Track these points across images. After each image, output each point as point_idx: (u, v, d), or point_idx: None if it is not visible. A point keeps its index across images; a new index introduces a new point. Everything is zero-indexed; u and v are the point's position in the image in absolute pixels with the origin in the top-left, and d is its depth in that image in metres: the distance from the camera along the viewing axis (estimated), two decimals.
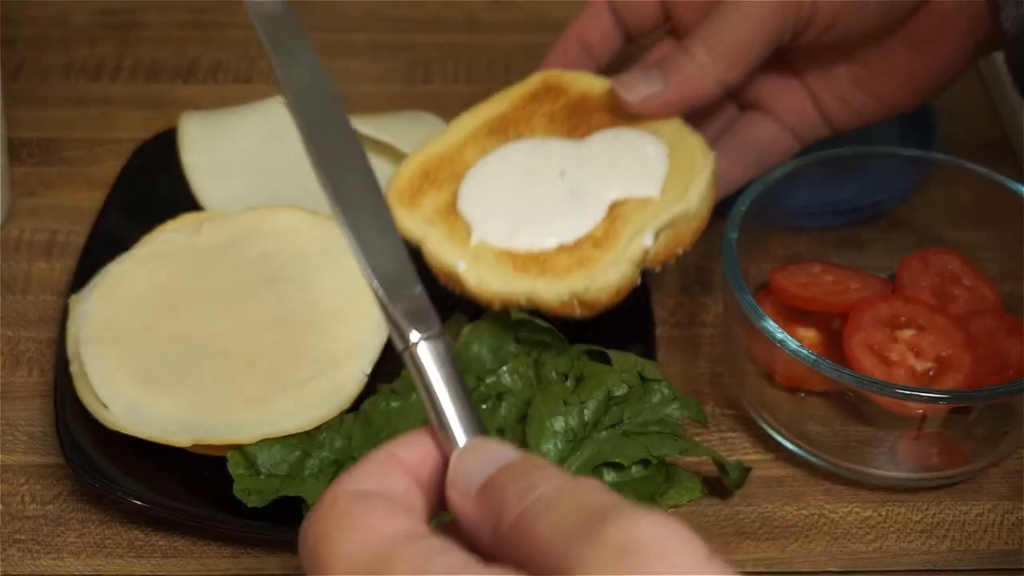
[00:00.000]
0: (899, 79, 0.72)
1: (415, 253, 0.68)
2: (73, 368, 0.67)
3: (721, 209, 0.70)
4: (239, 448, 0.63)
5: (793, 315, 0.69)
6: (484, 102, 0.73)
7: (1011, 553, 0.65)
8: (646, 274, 0.68)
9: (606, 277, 0.65)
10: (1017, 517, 0.66)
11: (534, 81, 0.74)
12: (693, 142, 0.69)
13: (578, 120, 0.71)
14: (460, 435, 0.44)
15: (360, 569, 0.40)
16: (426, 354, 0.45)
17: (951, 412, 0.64)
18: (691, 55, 0.69)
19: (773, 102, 0.74)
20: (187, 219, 0.74)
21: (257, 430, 0.63)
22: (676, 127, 0.70)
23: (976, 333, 0.67)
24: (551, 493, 0.40)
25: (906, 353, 0.65)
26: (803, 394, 0.67)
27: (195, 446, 0.64)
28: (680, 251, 0.68)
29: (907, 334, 0.66)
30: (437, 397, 0.44)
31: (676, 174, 0.68)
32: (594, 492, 0.40)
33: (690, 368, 0.72)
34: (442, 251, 0.67)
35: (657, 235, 0.66)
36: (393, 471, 0.44)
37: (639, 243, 0.66)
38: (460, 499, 0.42)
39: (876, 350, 0.65)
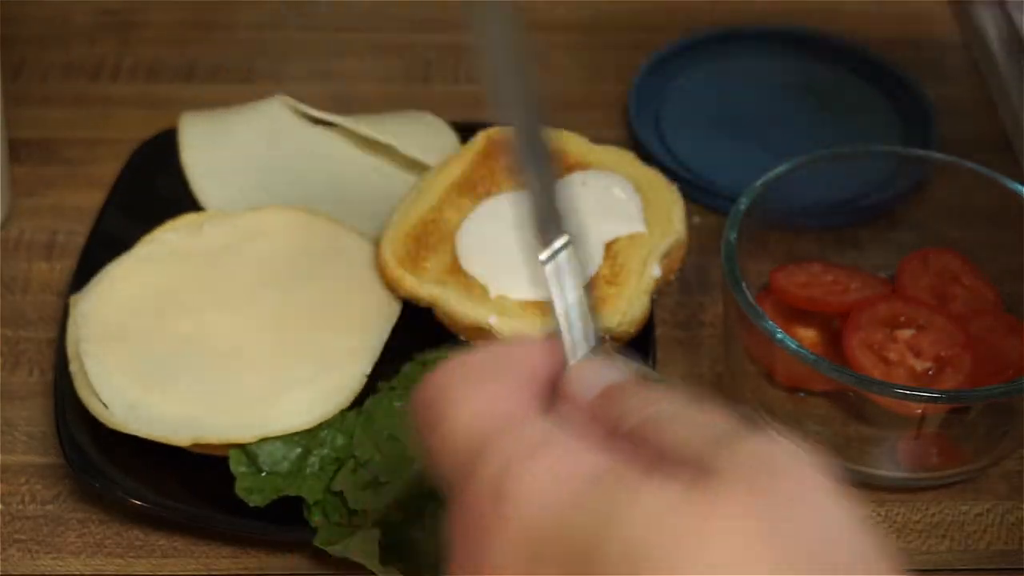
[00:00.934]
0: None
1: (427, 312, 0.69)
2: (73, 368, 0.67)
3: (721, 209, 0.70)
4: (240, 446, 0.63)
5: (793, 315, 0.69)
6: (441, 165, 0.75)
7: (1010, 553, 0.65)
8: None
9: (633, 311, 0.68)
10: (1016, 517, 0.66)
11: (479, 141, 0.76)
12: (652, 175, 0.75)
13: None
14: (582, 346, 0.43)
15: (486, 428, 0.39)
16: (566, 262, 0.44)
17: (950, 412, 0.64)
18: None
19: None
20: (187, 219, 0.74)
21: (257, 429, 0.63)
22: (631, 163, 0.75)
23: (976, 333, 0.67)
24: (677, 406, 0.39)
25: (906, 353, 0.65)
26: (803, 394, 0.67)
27: (195, 446, 0.64)
28: (672, 276, 0.72)
29: (907, 334, 0.66)
30: (560, 312, 0.43)
31: (652, 207, 0.73)
32: (720, 414, 0.39)
33: (690, 368, 0.72)
34: (465, 308, 0.68)
35: (661, 266, 0.70)
36: (514, 359, 0.43)
37: (650, 275, 0.70)
38: (579, 397, 0.41)
39: (876, 350, 0.65)
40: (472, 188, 0.73)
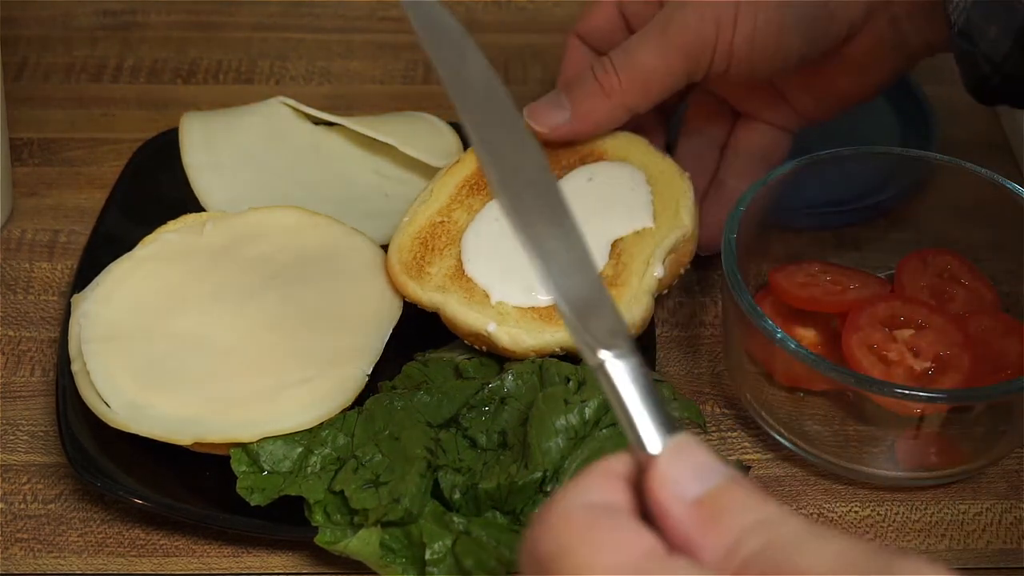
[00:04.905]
0: (841, 92, 0.74)
1: (434, 317, 0.69)
2: (75, 367, 0.67)
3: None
4: (241, 446, 0.63)
5: (792, 315, 0.69)
6: (452, 164, 0.74)
7: (1009, 552, 0.65)
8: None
9: (632, 314, 0.67)
10: (1015, 516, 0.66)
11: None
12: (664, 164, 0.72)
13: (550, 161, 0.72)
14: (656, 446, 0.42)
15: None
16: (618, 371, 0.43)
17: (950, 411, 0.64)
18: (604, 78, 0.70)
19: (760, 110, 0.76)
20: (188, 219, 0.74)
21: (258, 428, 0.64)
22: (645, 151, 0.73)
23: (975, 333, 0.67)
24: (794, 526, 0.39)
25: (905, 353, 0.66)
26: (802, 394, 0.68)
27: (197, 445, 0.64)
28: (682, 271, 0.71)
29: (906, 334, 0.66)
30: (629, 412, 0.42)
31: (662, 199, 0.71)
32: (849, 537, 0.38)
33: (690, 368, 0.72)
34: (465, 315, 0.67)
35: (664, 263, 0.69)
36: (615, 482, 0.42)
37: (652, 275, 0.68)
38: (675, 504, 0.40)
39: (875, 350, 0.66)
40: (483, 186, 0.73)
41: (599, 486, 0.42)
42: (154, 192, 0.78)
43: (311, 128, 0.81)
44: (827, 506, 0.66)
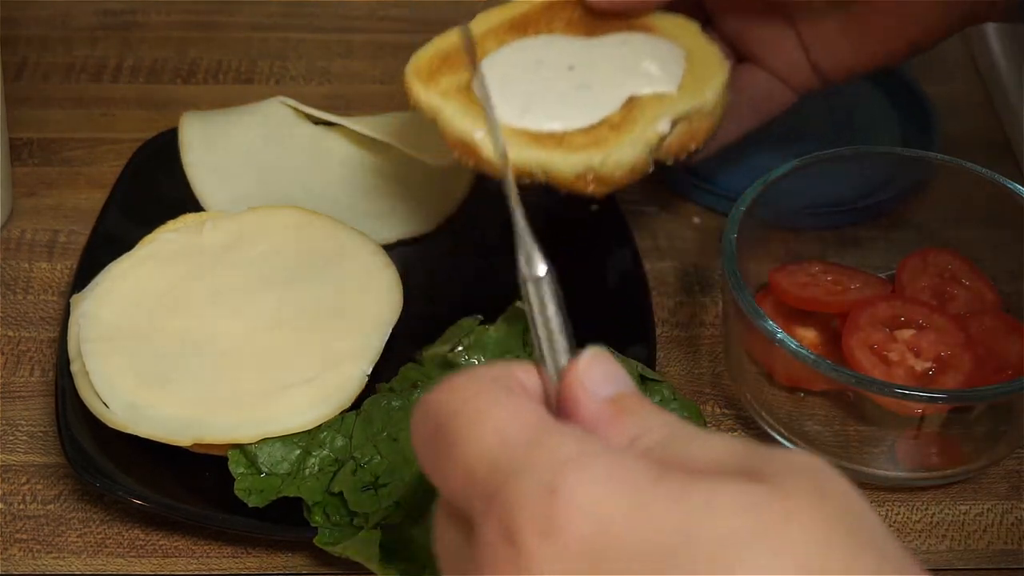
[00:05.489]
0: (884, 35, 0.71)
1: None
2: (74, 368, 0.67)
3: (721, 209, 0.70)
4: (240, 447, 0.63)
5: (793, 315, 0.69)
6: (508, 3, 0.73)
7: (1010, 552, 0.65)
8: (647, 277, 0.67)
9: (622, 154, 0.65)
10: (1016, 516, 0.66)
11: None
12: (710, 50, 0.70)
13: (595, 27, 0.71)
14: (565, 359, 0.43)
15: (514, 442, 0.38)
16: (546, 288, 0.44)
17: (950, 412, 0.64)
18: None
19: (765, 53, 0.73)
20: (188, 219, 0.74)
21: (258, 429, 0.64)
22: (694, 34, 0.71)
23: (975, 333, 0.67)
24: (691, 427, 0.40)
25: (905, 353, 0.66)
26: (803, 394, 0.67)
27: (196, 445, 0.64)
28: (693, 147, 0.68)
29: (906, 334, 0.66)
30: (553, 326, 0.43)
31: (692, 75, 0.69)
32: (741, 439, 0.40)
33: (690, 368, 0.72)
34: (458, 122, 0.67)
35: (673, 125, 0.67)
36: (515, 376, 0.42)
37: (655, 129, 0.66)
38: (587, 397, 0.41)
39: (876, 350, 0.66)
40: (524, 28, 0.72)
41: (499, 369, 0.42)
42: (154, 192, 0.78)
43: (311, 128, 0.81)
44: None
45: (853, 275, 0.70)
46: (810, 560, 0.35)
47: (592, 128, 0.66)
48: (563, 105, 0.67)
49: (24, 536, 0.64)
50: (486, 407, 0.40)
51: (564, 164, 0.65)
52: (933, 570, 0.64)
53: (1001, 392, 0.63)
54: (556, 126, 0.67)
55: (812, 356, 0.62)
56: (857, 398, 0.65)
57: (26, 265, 0.77)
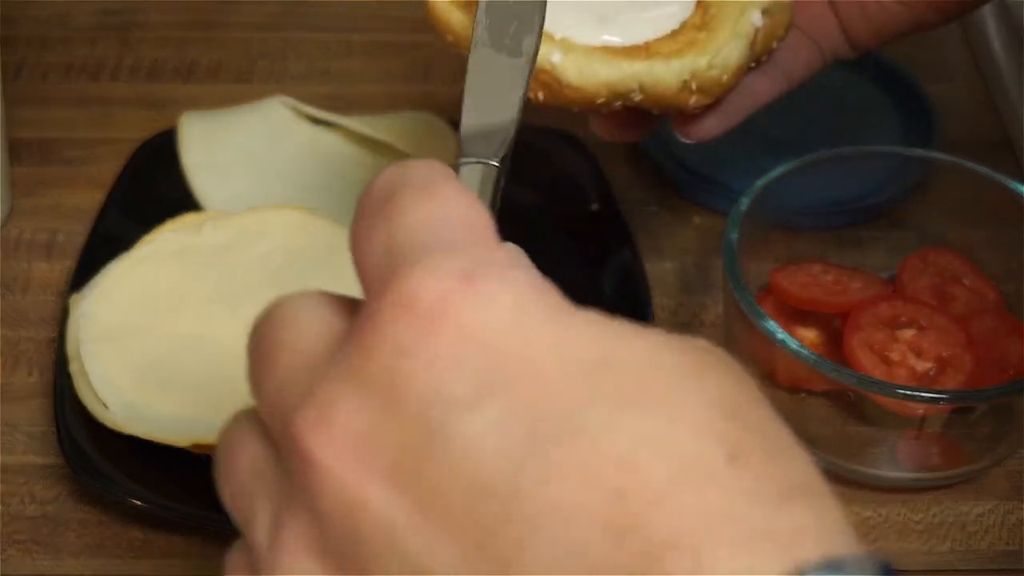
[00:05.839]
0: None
1: None
2: (73, 368, 0.67)
3: (721, 209, 0.70)
4: None
5: (793, 315, 0.69)
6: None
7: (1012, 553, 0.65)
8: (647, 277, 0.67)
9: (726, 55, 0.60)
10: (1018, 517, 0.66)
11: None
12: None
13: None
14: None
15: (454, 224, 0.37)
16: (471, 174, 0.43)
17: (952, 412, 0.64)
18: None
19: (796, 11, 0.68)
20: (187, 219, 0.74)
21: None
22: None
23: (977, 333, 0.67)
24: None
25: (907, 353, 0.65)
26: (804, 394, 0.67)
27: (195, 446, 0.64)
28: (775, 44, 0.64)
29: (908, 334, 0.66)
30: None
31: None
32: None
33: None
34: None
35: (763, 16, 0.62)
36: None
37: (748, 20, 0.61)
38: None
39: (877, 350, 0.65)
40: None
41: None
42: (153, 192, 0.77)
43: (311, 128, 0.80)
44: None
45: (854, 275, 0.70)
46: (724, 401, 0.36)
47: (678, 32, 0.61)
48: (641, 11, 0.62)
49: (22, 537, 0.64)
50: (442, 181, 0.38)
51: (667, 73, 0.59)
52: (934, 571, 0.64)
53: (1003, 392, 0.63)
54: (645, 34, 0.61)
55: (813, 356, 0.62)
56: (858, 398, 0.65)
57: (25, 265, 0.77)
